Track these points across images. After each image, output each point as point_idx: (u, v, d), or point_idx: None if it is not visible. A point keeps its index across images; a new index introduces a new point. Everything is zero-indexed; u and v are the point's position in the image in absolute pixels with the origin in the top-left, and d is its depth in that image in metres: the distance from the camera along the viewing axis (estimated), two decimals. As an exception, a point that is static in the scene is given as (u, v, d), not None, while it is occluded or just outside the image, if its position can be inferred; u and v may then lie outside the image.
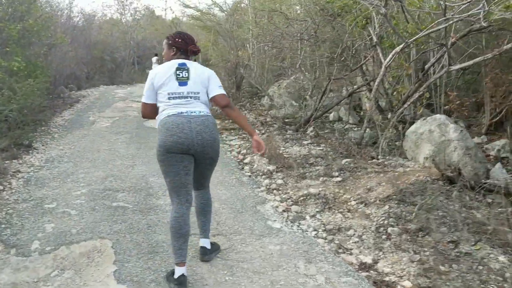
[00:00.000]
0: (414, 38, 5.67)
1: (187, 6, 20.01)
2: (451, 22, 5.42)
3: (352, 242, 3.77)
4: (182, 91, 2.86)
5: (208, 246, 3.24)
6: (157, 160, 2.88)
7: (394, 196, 4.37)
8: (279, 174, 5.61)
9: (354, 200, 4.53)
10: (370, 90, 7.51)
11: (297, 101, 10.26)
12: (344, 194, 4.71)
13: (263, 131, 7.98)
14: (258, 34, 9.97)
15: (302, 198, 4.72)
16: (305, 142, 6.84)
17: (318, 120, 7.82)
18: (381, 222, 3.99)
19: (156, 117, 2.98)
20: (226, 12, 17.10)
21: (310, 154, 6.21)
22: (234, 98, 11.46)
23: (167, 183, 2.90)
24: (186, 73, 2.90)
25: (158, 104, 2.92)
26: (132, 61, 26.53)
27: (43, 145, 6.86)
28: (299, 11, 8.52)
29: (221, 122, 9.26)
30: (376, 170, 5.27)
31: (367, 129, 6.69)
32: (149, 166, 5.79)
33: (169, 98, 2.85)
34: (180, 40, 3.02)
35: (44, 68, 10.37)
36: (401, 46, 5.87)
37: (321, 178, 5.25)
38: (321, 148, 6.49)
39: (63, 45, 12.50)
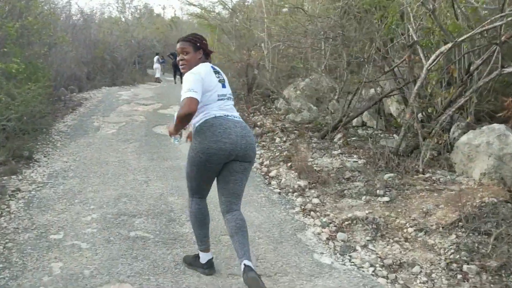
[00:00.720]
0: (466, 36, 5.04)
1: (190, 4, 19.34)
2: (510, 18, 4.80)
3: (420, 283, 3.15)
4: (225, 93, 2.88)
5: (253, 267, 2.70)
6: (190, 163, 2.85)
7: (460, 223, 3.75)
8: (312, 191, 4.99)
9: (410, 227, 3.91)
10: (403, 95, 6.90)
11: (315, 104, 9.64)
12: (396, 218, 4.09)
13: (284, 139, 7.35)
14: (275, 32, 9.31)
15: (346, 222, 4.10)
16: (335, 152, 6.21)
17: (346, 127, 7.18)
18: (451, 257, 3.37)
19: (197, 117, 2.80)
20: (230, 10, 16.52)
21: (344, 167, 5.58)
22: (247, 101, 10.84)
23: (192, 185, 2.95)
24: (221, 76, 2.93)
25: (203, 104, 2.76)
26: (133, 60, 25.87)
27: (45, 156, 6.22)
28: (318, 10, 7.88)
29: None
30: (427, 187, 4.64)
31: (403, 138, 6.06)
32: (165, 182, 5.17)
33: (218, 100, 2.81)
34: (205, 42, 3.00)
35: (46, 69, 9.75)
36: (448, 45, 5.25)
37: (363, 197, 4.63)
38: (355, 159, 5.86)
39: (64, 45, 11.87)
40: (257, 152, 6.83)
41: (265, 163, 6.22)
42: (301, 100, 9.79)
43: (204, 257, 3.00)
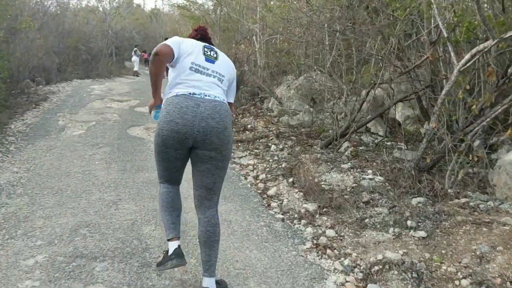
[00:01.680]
0: (513, 32, 4.15)
1: (173, -7, 18.24)
2: None
3: None
4: (208, 67, 2.61)
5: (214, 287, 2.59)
6: (154, 144, 2.64)
7: (535, 277, 2.84)
8: (324, 218, 4.04)
9: (463, 277, 2.98)
10: (419, 98, 6.02)
11: (311, 105, 8.71)
12: (442, 263, 3.16)
13: (280, 146, 6.38)
14: (269, 24, 8.33)
15: (376, 267, 3.16)
16: (345, 166, 5.26)
17: (354, 134, 6.24)
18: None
19: (164, 93, 2.63)
20: (215, 0, 15.56)
21: (359, 186, 4.65)
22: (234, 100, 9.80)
23: (159, 169, 2.70)
24: (215, 54, 2.71)
25: (171, 76, 2.59)
26: (110, 52, 24.53)
27: (-9, 164, 5.12)
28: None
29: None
30: (470, 218, 3.73)
31: (424, 150, 5.16)
32: (139, 202, 4.14)
33: (190, 69, 2.55)
34: (202, 28, 2.97)
35: (4, 57, 8.56)
36: (489, 42, 4.35)
37: (391, 230, 3.70)
38: (370, 176, 4.93)
39: (29, 31, 10.66)
40: (250, 162, 5.86)
41: (260, 177, 5.24)
42: (296, 100, 8.85)
43: (171, 246, 2.55)
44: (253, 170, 5.55)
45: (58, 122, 7.62)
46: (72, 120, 7.87)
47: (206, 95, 2.49)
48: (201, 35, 2.90)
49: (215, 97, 2.51)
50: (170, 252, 2.53)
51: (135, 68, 21.23)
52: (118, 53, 29.02)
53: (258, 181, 5.15)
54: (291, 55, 9.60)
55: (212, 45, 2.86)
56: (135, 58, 21.72)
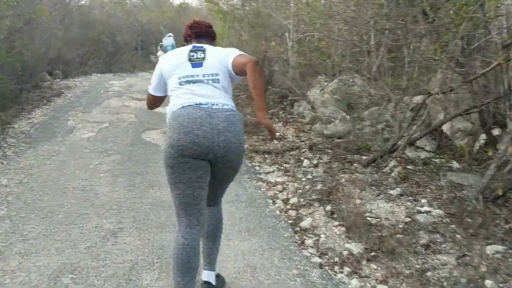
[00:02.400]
0: None
1: (201, -14, 17.62)
2: None
3: None
4: (197, 73, 2.38)
5: (214, 282, 2.56)
6: (164, 165, 2.28)
7: None
8: (373, 266, 3.21)
9: None
10: (480, 111, 5.10)
11: (348, 112, 7.85)
12: None
13: (314, 161, 5.55)
14: (305, 20, 7.49)
15: None
16: (394, 192, 4.41)
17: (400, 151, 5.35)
18: None
19: (167, 109, 2.41)
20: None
21: (415, 222, 3.79)
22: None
23: (175, 197, 2.30)
24: (202, 54, 2.44)
25: (169, 93, 2.44)
26: (135, 45, 24.05)
27: (-20, 173, 4.46)
28: None
29: (247, 138, 6.84)
30: None
31: (492, 177, 4.26)
32: (144, 234, 3.39)
33: (180, 83, 2.37)
34: (196, 24, 2.69)
35: (16, 48, 7.96)
36: None
37: (466, 292, 2.84)
38: (426, 207, 4.06)
39: (47, 21, 10.08)
40: (279, 180, 5.06)
41: (291, 201, 4.43)
42: (330, 106, 7.99)
43: None
44: (282, 191, 4.75)
45: (67, 122, 6.96)
46: (84, 120, 7.20)
47: (213, 104, 2.30)
48: (196, 33, 2.66)
49: (223, 105, 2.32)
50: None
51: (160, 63, 20.64)
52: (144, 46, 28.60)
53: (288, 207, 4.34)
54: (325, 55, 8.75)
55: (213, 38, 2.71)
56: (160, 53, 21.11)
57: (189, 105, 2.27)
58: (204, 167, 2.28)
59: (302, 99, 8.90)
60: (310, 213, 4.16)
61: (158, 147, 5.91)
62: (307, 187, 4.77)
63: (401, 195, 4.40)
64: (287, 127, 7.31)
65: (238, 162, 2.40)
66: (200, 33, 2.66)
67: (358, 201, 4.28)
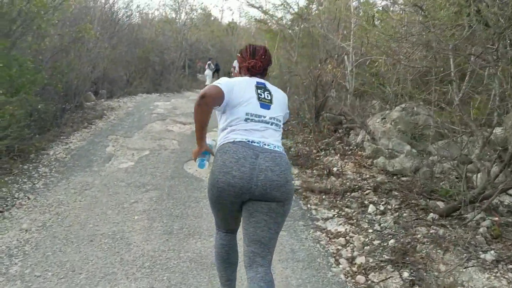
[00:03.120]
0: None
1: (250, 5, 17.40)
2: None
3: None
4: (264, 115, 2.38)
5: None
6: (208, 195, 2.38)
7: None
8: None
9: None
10: None
11: (414, 146, 7.01)
12: None
13: (381, 207, 4.76)
14: (369, 42, 6.75)
15: None
16: (487, 257, 3.55)
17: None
18: None
19: (218, 138, 2.42)
20: (295, 14, 14.41)
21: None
22: (314, 131, 8.28)
23: (214, 215, 2.54)
24: (269, 96, 2.45)
25: (223, 124, 2.38)
26: (183, 64, 23.98)
27: (4, 211, 3.96)
28: (443, 12, 5.21)
29: (299, 172, 6.14)
30: None
31: None
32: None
33: (246, 120, 2.33)
34: (239, 56, 2.61)
35: (58, 68, 7.66)
36: None
37: None
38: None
39: (94, 40, 9.86)
40: (340, 230, 4.31)
41: (358, 261, 3.65)
42: (393, 137, 7.17)
43: None
44: (346, 245, 3.98)
45: (106, 149, 6.49)
46: (123, 146, 6.72)
47: (265, 144, 2.30)
48: (253, 73, 2.54)
49: (275, 147, 2.33)
50: None
51: (207, 82, 20.35)
52: (192, 65, 28.61)
53: (355, 269, 3.57)
54: (384, 80, 7.96)
55: (266, 69, 2.60)
56: (208, 72, 20.84)
57: (240, 141, 2.25)
58: (238, 208, 2.34)
59: (360, 128, 8.12)
60: (383, 280, 3.37)
61: (201, 182, 5.30)
62: (376, 242, 3.99)
63: (498, 261, 3.54)
64: (345, 160, 6.54)
65: (286, 201, 2.29)
66: (258, 72, 2.55)
67: (442, 267, 3.47)
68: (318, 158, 6.80)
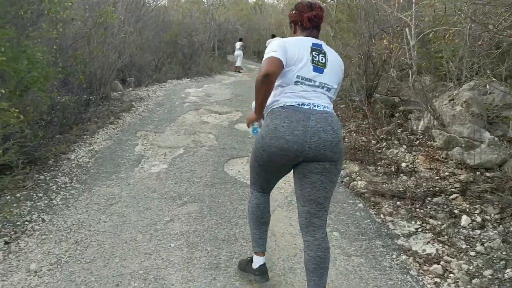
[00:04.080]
0: None
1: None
2: None
3: None
4: (315, 79, 2.35)
5: None
6: (253, 153, 2.47)
7: None
8: None
9: None
10: None
11: (490, 132, 5.96)
12: None
13: (478, 218, 3.80)
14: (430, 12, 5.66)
15: None
16: None
17: None
18: None
19: (269, 102, 2.38)
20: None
21: None
22: (367, 115, 7.28)
23: (253, 176, 2.63)
24: (323, 58, 2.39)
25: (278, 82, 2.36)
26: (212, 46, 23.08)
27: (6, 244, 3.21)
28: None
29: (361, 170, 5.23)
30: None
31: None
32: None
33: (296, 83, 2.34)
34: (294, 12, 2.51)
35: (79, 58, 6.89)
36: None
37: None
38: None
39: (119, 25, 9.07)
40: (431, 251, 3.39)
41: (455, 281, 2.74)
42: (466, 121, 6.13)
43: (256, 261, 2.69)
44: (444, 276, 3.06)
45: (135, 148, 5.71)
46: (154, 144, 5.92)
47: (315, 105, 2.31)
48: (313, 26, 2.46)
49: (324, 107, 2.33)
50: (255, 266, 2.67)
51: (238, 63, 19.43)
52: (221, 46, 27.67)
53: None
54: (452, 54, 6.85)
55: (320, 27, 2.48)
56: (238, 53, 19.89)
57: (290, 105, 2.28)
58: (287, 170, 2.46)
59: (419, 111, 7.09)
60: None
61: (246, 189, 4.44)
62: (487, 272, 3.05)
63: None
64: (414, 153, 5.54)
65: (339, 160, 2.31)
66: (317, 24, 2.48)
67: None
68: (379, 151, 5.82)
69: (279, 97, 2.33)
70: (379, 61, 7.93)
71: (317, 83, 2.34)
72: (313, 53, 2.35)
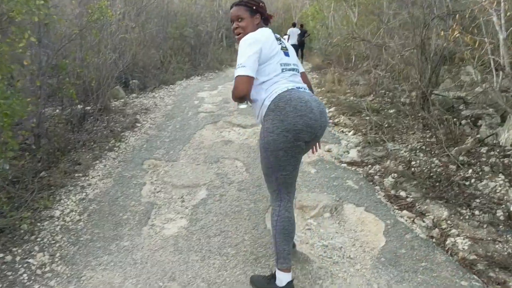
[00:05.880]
0: None
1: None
2: None
3: None
4: (289, 62, 2.58)
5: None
6: (274, 149, 2.41)
7: None
8: None
9: None
10: None
11: None
12: None
13: None
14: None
15: None
16: None
17: None
18: None
19: (261, 95, 2.47)
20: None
21: None
22: (434, 128, 5.80)
23: (280, 177, 2.52)
24: (283, 43, 2.64)
25: (262, 78, 2.46)
26: (220, 36, 21.55)
27: None
28: None
29: (451, 216, 3.82)
30: None
31: None
32: None
33: (283, 70, 2.50)
34: (263, 4, 2.68)
35: (63, 65, 5.51)
36: None
37: None
38: None
39: (114, 21, 7.65)
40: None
41: None
42: None
43: (283, 279, 2.55)
44: None
45: (141, 191, 4.31)
46: (166, 182, 4.52)
47: (305, 88, 2.53)
48: (261, 17, 2.68)
49: (306, 89, 2.56)
50: (282, 284, 2.55)
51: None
52: (229, 35, 26.09)
53: None
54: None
55: (269, 23, 2.77)
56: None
57: (292, 88, 2.42)
58: (305, 150, 2.55)
59: (491, 116, 5.66)
60: None
61: (311, 264, 3.04)
62: None
63: None
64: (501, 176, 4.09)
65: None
66: (264, 15, 2.68)
67: None
68: (466, 182, 4.38)
69: (274, 85, 2.42)
70: (438, 54, 6.46)
71: (291, 66, 2.54)
72: (278, 41, 2.55)
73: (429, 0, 7.01)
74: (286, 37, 19.93)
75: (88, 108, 6.92)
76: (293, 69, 2.54)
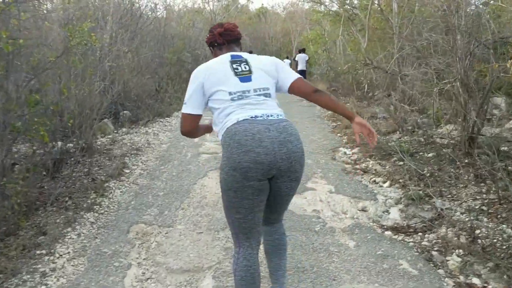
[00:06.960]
0: None
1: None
2: None
3: None
4: (248, 88, 2.28)
5: None
6: (225, 188, 2.18)
7: None
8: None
9: None
10: None
11: None
12: None
13: None
14: None
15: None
16: None
17: None
18: None
19: (217, 128, 2.29)
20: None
21: None
22: (477, 174, 4.70)
23: (234, 221, 2.25)
24: (246, 66, 2.35)
25: (216, 110, 2.28)
26: (219, 59, 20.71)
27: None
28: None
29: None
30: None
31: None
32: None
33: (232, 99, 2.24)
34: (211, 34, 2.53)
35: (37, 101, 4.43)
36: None
37: None
38: None
39: (100, 46, 6.59)
40: None
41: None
42: None
43: None
44: None
45: (124, 282, 3.14)
46: (159, 264, 3.34)
47: (268, 115, 2.21)
48: (228, 40, 2.49)
49: (278, 115, 2.25)
50: None
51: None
52: (227, 58, 25.31)
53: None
54: None
55: (240, 42, 2.56)
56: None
57: (244, 120, 2.17)
58: (266, 190, 2.21)
59: None
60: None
61: None
62: None
63: None
64: None
65: (302, 171, 2.28)
66: (233, 39, 2.50)
67: None
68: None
69: (226, 118, 2.21)
70: (487, 88, 5.41)
71: (251, 92, 2.28)
72: (234, 65, 2.32)
73: (469, 25, 6.00)
74: (287, 61, 19.15)
75: (71, 145, 5.84)
76: (255, 95, 2.26)
